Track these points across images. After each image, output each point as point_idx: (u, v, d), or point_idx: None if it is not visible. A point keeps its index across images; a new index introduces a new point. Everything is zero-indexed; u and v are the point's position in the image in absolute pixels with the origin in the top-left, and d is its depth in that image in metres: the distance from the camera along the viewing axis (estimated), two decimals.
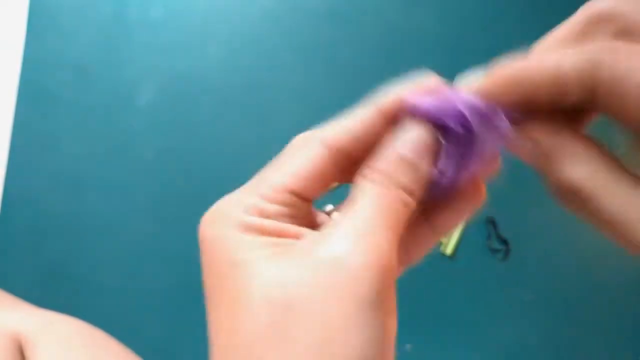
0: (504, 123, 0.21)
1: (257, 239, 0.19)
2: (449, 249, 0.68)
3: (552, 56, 0.19)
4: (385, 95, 0.21)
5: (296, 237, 0.20)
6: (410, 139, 0.20)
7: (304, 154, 0.21)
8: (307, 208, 0.21)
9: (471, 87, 0.21)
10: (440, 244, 0.69)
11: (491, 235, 0.69)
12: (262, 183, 0.21)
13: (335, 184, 0.22)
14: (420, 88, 0.21)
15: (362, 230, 0.19)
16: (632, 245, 0.18)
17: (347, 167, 0.21)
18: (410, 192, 0.20)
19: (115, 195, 0.70)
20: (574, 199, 0.19)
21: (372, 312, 0.18)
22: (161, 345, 0.65)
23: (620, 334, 0.67)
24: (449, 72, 0.80)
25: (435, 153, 0.21)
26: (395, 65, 0.75)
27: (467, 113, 0.20)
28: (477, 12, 0.77)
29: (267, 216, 0.20)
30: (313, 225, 0.22)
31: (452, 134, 0.21)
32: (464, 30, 0.77)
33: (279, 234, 0.20)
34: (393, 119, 0.21)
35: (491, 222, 0.69)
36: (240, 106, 0.74)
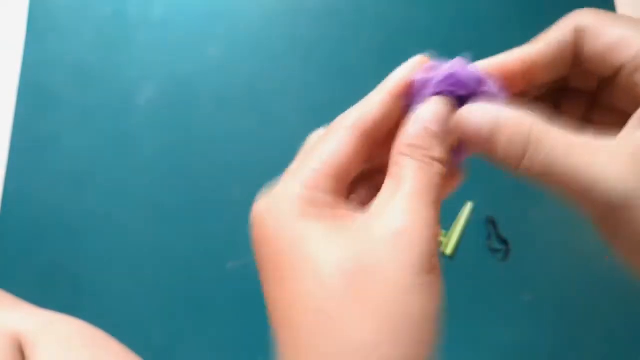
0: (496, 88, 0.24)
1: (315, 221, 0.22)
2: (449, 249, 0.68)
3: (547, 37, 0.24)
4: (393, 79, 0.25)
5: (346, 216, 0.23)
6: (434, 113, 0.23)
7: (337, 141, 0.23)
8: (345, 189, 0.24)
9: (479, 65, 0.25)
10: (440, 243, 0.69)
11: (491, 235, 0.69)
12: (306, 172, 0.23)
13: None
14: (420, 67, 0.25)
15: (413, 206, 0.22)
16: (573, 192, 0.22)
17: (371, 149, 0.24)
18: (443, 163, 0.23)
19: (116, 194, 0.70)
20: (523, 148, 0.22)
21: (428, 276, 0.21)
22: (162, 345, 0.65)
23: (620, 334, 0.67)
24: None
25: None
26: (396, 66, 0.75)
27: (469, 79, 0.24)
28: (477, 12, 0.77)
29: (317, 204, 0.22)
30: (348, 201, 0.25)
31: (461, 99, 0.24)
32: (464, 31, 0.77)
33: (332, 216, 0.22)
34: (404, 100, 0.24)
35: (491, 222, 0.70)
36: (240, 105, 0.74)
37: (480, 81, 0.24)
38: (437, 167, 0.23)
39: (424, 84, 0.24)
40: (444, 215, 0.70)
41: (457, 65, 0.24)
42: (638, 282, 0.25)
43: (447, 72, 0.24)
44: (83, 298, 0.67)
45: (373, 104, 0.24)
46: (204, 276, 0.68)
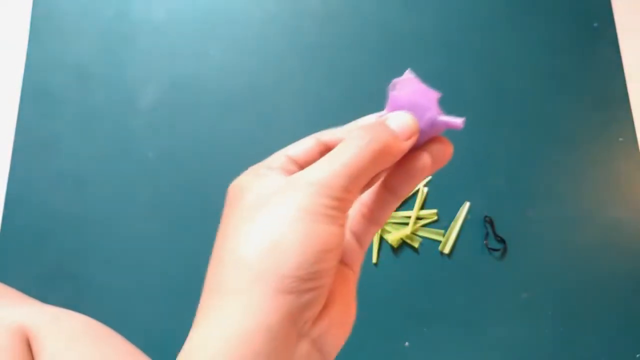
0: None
1: (259, 178, 0.29)
2: (447, 248, 0.69)
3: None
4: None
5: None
6: (397, 118, 0.29)
7: (300, 141, 0.31)
8: (297, 166, 0.30)
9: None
10: (439, 242, 0.70)
11: (489, 234, 0.70)
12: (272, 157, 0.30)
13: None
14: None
15: (330, 165, 0.26)
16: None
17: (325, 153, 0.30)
18: (380, 142, 0.27)
19: (117, 195, 0.71)
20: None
21: (307, 217, 0.25)
22: (165, 343, 0.66)
23: (618, 332, 0.68)
24: (447, 73, 0.81)
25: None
26: (395, 68, 0.76)
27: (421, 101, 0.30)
28: (475, 13, 0.78)
29: (271, 169, 0.29)
30: None
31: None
32: (462, 32, 0.77)
33: (281, 172, 0.29)
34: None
35: (489, 221, 0.70)
36: (242, 108, 0.75)
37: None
38: (372, 144, 0.27)
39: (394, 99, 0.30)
40: (443, 215, 0.71)
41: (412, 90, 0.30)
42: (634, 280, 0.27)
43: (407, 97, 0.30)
44: (85, 298, 0.68)
45: (331, 132, 0.31)
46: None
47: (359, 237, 0.31)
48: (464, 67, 0.75)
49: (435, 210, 0.70)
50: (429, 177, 0.71)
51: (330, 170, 0.26)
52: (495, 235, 0.70)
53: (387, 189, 0.30)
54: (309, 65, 0.76)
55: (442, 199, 0.71)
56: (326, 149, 0.30)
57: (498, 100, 0.74)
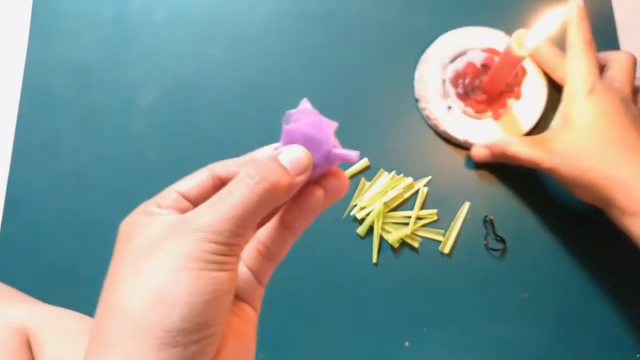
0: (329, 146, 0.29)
1: (148, 218, 0.29)
2: (447, 248, 0.69)
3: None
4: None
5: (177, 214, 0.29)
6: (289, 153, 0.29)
7: (193, 175, 0.31)
8: (188, 203, 0.30)
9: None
10: (439, 242, 0.70)
11: (489, 234, 0.70)
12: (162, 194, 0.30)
13: None
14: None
15: (214, 207, 0.26)
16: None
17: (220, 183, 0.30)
18: (268, 183, 0.27)
19: (117, 196, 0.71)
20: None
21: (192, 266, 0.24)
22: None
23: (619, 332, 0.68)
24: None
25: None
26: (396, 68, 0.76)
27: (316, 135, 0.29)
28: (474, 13, 0.78)
29: (161, 207, 0.29)
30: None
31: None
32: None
33: (169, 213, 0.29)
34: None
35: (488, 221, 0.70)
36: (242, 108, 0.75)
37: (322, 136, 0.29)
38: (261, 185, 0.26)
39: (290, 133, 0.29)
40: (443, 215, 0.71)
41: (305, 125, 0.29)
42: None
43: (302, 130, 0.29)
44: (85, 298, 0.68)
45: (229, 162, 0.31)
46: None
47: (256, 274, 0.30)
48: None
49: (435, 210, 0.70)
50: (429, 177, 0.71)
51: (217, 214, 0.25)
52: (495, 235, 0.70)
53: (283, 224, 0.29)
54: (310, 64, 0.76)
55: (442, 199, 0.71)
56: (220, 183, 0.29)
57: None
